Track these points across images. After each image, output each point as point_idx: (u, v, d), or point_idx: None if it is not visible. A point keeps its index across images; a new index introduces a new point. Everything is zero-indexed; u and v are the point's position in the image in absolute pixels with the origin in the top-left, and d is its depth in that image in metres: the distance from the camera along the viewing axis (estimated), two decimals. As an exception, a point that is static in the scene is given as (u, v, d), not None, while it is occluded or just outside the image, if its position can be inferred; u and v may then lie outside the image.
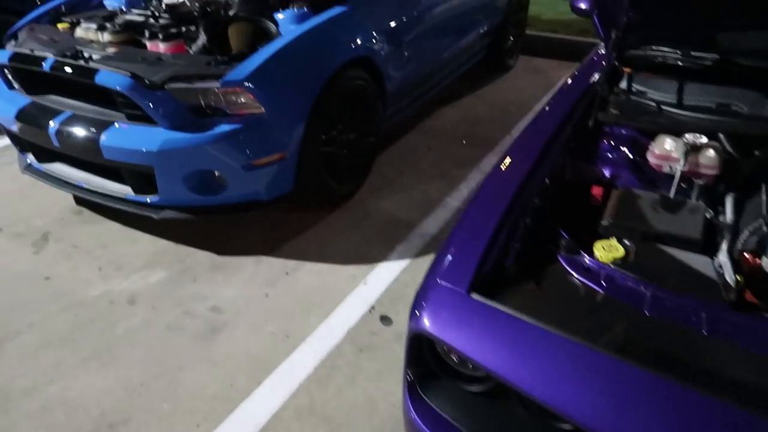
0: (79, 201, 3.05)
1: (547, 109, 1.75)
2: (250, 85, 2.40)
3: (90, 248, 2.73)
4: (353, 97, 2.91)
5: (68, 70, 2.48)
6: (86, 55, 2.55)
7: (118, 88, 2.35)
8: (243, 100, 2.44)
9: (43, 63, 2.53)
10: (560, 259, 1.23)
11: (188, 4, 2.96)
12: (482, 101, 4.54)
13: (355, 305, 2.40)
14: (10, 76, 2.78)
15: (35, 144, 2.75)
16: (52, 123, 2.56)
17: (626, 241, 1.26)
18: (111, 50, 2.61)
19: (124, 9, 3.13)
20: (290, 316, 2.34)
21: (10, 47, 2.87)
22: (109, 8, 3.26)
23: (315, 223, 2.93)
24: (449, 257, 1.18)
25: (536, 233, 1.28)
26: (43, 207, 3.04)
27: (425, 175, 3.42)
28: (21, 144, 2.88)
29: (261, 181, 2.59)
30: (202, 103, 2.46)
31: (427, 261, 2.65)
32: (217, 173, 2.51)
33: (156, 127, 2.43)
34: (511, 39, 5.06)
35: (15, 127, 2.72)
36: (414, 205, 3.10)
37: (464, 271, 1.12)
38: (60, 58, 2.51)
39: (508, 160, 1.46)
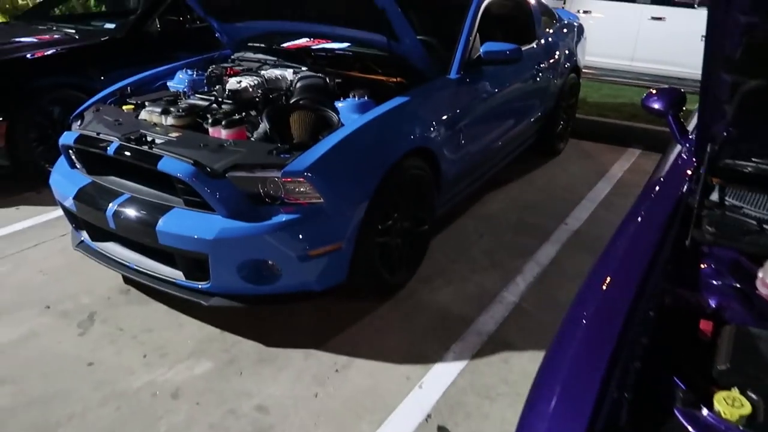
0: (127, 280, 3.00)
1: (639, 220, 1.63)
2: (311, 176, 2.36)
3: (135, 332, 2.65)
4: (410, 186, 2.85)
5: (132, 155, 2.49)
6: (149, 139, 2.56)
7: (179, 176, 2.34)
8: (303, 189, 2.39)
9: (107, 147, 2.55)
10: (677, 413, 1.08)
11: (250, 89, 2.99)
12: (533, 186, 4.45)
13: (411, 412, 2.23)
14: (73, 156, 2.81)
15: (90, 223, 2.73)
16: (110, 205, 2.55)
17: (751, 394, 1.11)
18: (174, 135, 2.62)
19: (187, 92, 3.19)
20: (341, 422, 2.18)
21: (76, 127, 2.93)
22: (172, 90, 3.33)
23: (365, 314, 2.81)
24: (553, 409, 1.04)
25: (646, 379, 1.13)
26: (91, 284, 3.00)
27: (478, 264, 3.29)
28: (76, 222, 2.87)
29: (315, 271, 2.50)
30: (261, 191, 2.42)
31: (485, 364, 2.49)
32: (271, 263, 2.43)
33: (213, 215, 2.39)
34: (562, 123, 5.02)
35: (73, 206, 2.72)
36: (469, 298, 2.96)
37: (574, 430, 0.98)
38: (124, 143, 2.52)
39: (603, 285, 1.34)
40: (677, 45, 8.05)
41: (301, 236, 2.40)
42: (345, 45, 3.83)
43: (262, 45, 3.83)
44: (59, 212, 3.76)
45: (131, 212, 2.51)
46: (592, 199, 4.25)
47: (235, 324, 2.70)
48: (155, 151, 2.44)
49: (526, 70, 4.05)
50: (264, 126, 2.66)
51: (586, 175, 4.68)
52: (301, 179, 2.37)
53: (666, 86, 2.65)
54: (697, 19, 7.84)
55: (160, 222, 2.41)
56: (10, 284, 2.99)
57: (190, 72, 3.37)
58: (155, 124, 2.78)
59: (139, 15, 4.84)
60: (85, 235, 2.87)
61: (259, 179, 2.40)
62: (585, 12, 8.29)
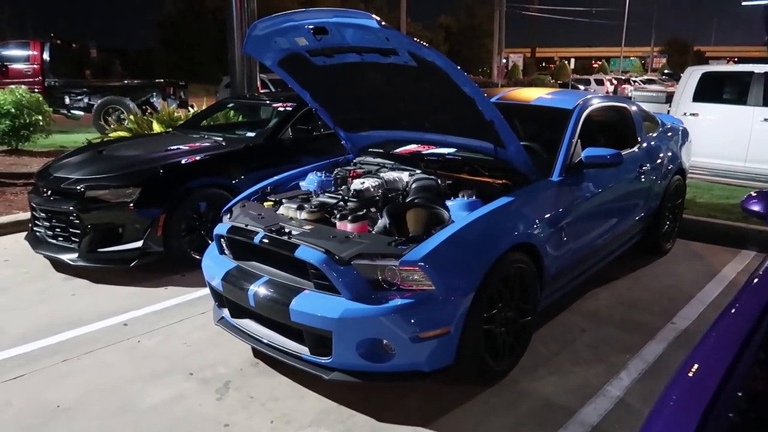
0: (256, 354, 3.38)
1: (733, 311, 1.75)
2: (425, 265, 2.67)
3: (264, 400, 2.98)
4: (514, 278, 3.08)
5: (273, 243, 2.94)
6: (287, 230, 3.02)
7: (312, 262, 2.74)
8: (417, 277, 2.70)
9: (253, 237, 3.04)
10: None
11: (372, 189, 3.43)
12: (638, 284, 4.47)
13: (513, 494, 2.34)
14: (224, 244, 3.33)
15: (232, 301, 3.18)
16: (251, 286, 2.99)
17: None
18: (307, 227, 3.06)
19: (317, 191, 3.70)
20: (447, 497, 2.33)
21: (227, 220, 3.48)
22: (304, 189, 3.86)
23: (470, 398, 2.97)
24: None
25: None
26: (227, 356, 3.41)
27: (581, 358, 3.37)
28: (220, 300, 3.34)
29: (424, 352, 2.74)
30: (380, 277, 2.76)
31: (589, 455, 2.54)
32: (386, 342, 2.71)
33: (338, 297, 2.74)
34: (668, 224, 5.05)
35: (220, 286, 3.19)
36: (571, 389, 3.04)
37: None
38: (267, 233, 2.99)
39: (690, 372, 1.48)
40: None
41: (413, 319, 2.67)
42: (452, 150, 4.23)
43: (381, 150, 4.33)
44: (200, 293, 4.33)
45: (269, 292, 2.93)
46: (702, 299, 4.19)
47: (351, 398, 2.96)
48: (293, 240, 2.88)
49: (627, 171, 4.23)
50: (384, 221, 3.04)
51: (695, 276, 4.63)
52: (416, 268, 2.68)
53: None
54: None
55: (293, 302, 2.80)
56: (160, 353, 3.47)
57: (319, 174, 3.90)
58: (291, 218, 3.25)
59: (275, 125, 5.63)
60: (226, 312, 3.32)
61: (379, 267, 2.75)
62: (692, 114, 8.36)
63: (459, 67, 2.90)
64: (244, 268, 3.17)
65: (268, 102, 6.35)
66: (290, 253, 2.84)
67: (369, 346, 2.73)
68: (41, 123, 9.59)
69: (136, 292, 4.40)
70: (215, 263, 3.34)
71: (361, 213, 3.13)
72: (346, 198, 3.39)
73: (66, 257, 4.58)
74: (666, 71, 53.92)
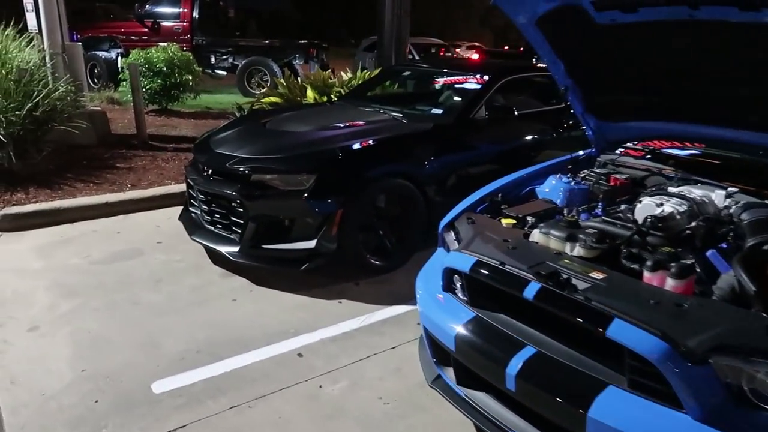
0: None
1: None
2: None
3: None
4: None
5: (564, 307, 1.89)
6: (564, 277, 1.96)
7: (644, 354, 1.66)
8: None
9: (522, 287, 1.99)
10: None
11: (678, 217, 2.27)
12: None
13: None
14: (458, 282, 2.34)
15: (470, 370, 2.20)
16: (511, 360, 1.98)
17: None
18: (597, 276, 1.97)
19: (568, 205, 2.61)
20: None
21: (451, 241, 2.49)
22: (542, 198, 2.78)
23: None
24: None
25: None
26: (441, 430, 2.47)
27: None
28: (442, 356, 2.39)
29: None
30: (746, 387, 1.63)
31: None
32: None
33: (676, 411, 1.66)
34: None
35: (451, 343, 2.22)
36: None
37: None
38: (549, 287, 1.94)
39: None
40: None
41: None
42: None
43: (638, 146, 3.13)
44: (383, 315, 3.46)
45: (545, 378, 1.90)
46: None
47: None
48: (595, 305, 1.81)
49: None
50: (732, 280, 1.89)
51: None
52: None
53: None
54: None
55: (595, 405, 1.75)
56: (350, 411, 2.60)
57: (565, 180, 2.81)
58: (558, 254, 2.17)
59: (467, 100, 4.56)
60: (448, 374, 2.36)
61: (751, 371, 1.62)
62: None
63: None
64: (491, 325, 2.17)
65: (453, 72, 5.25)
66: (597, 329, 1.77)
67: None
68: (191, 83, 9.23)
69: (305, 303, 3.59)
70: (439, 307, 2.36)
71: (689, 262, 1.98)
72: (643, 228, 2.23)
73: (225, 250, 3.87)
74: None
